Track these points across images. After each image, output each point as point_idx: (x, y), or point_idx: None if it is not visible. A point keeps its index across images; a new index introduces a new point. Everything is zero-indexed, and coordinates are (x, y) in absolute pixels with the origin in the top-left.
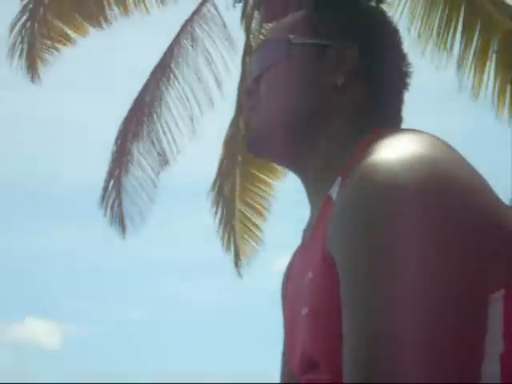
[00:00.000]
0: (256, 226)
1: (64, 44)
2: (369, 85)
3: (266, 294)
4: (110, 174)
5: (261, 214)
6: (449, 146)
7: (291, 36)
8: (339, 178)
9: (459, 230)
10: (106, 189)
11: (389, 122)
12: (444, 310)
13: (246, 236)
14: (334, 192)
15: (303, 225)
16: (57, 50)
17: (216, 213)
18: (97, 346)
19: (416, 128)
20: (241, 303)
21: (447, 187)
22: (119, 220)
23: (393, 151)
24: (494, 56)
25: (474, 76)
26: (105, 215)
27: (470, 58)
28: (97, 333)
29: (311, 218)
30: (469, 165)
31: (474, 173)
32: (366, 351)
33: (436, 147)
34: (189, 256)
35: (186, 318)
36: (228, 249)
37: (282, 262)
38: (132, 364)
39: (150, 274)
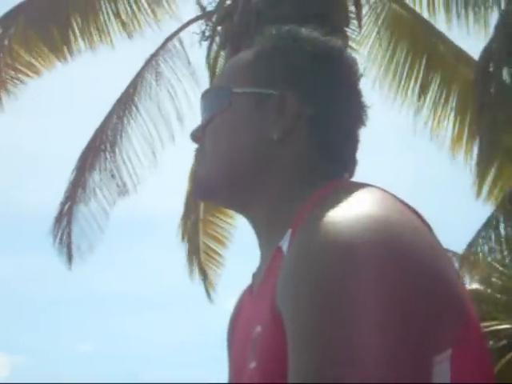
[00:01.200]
0: (219, 254)
1: (29, 75)
2: (314, 134)
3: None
4: (64, 203)
5: (223, 244)
6: (400, 203)
7: (232, 85)
8: (289, 231)
9: (408, 292)
10: (57, 218)
11: (339, 171)
12: (387, 371)
13: (210, 264)
14: (285, 245)
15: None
16: (21, 81)
17: (184, 247)
18: (45, 377)
19: (367, 181)
20: (194, 339)
21: (398, 248)
22: (67, 249)
23: (345, 209)
24: (453, 102)
25: (432, 119)
26: (54, 244)
27: (429, 103)
28: (45, 364)
29: (261, 265)
30: (419, 222)
31: (424, 231)
32: None
33: (386, 205)
34: (149, 289)
35: (136, 352)
36: (194, 278)
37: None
38: None
39: (102, 307)
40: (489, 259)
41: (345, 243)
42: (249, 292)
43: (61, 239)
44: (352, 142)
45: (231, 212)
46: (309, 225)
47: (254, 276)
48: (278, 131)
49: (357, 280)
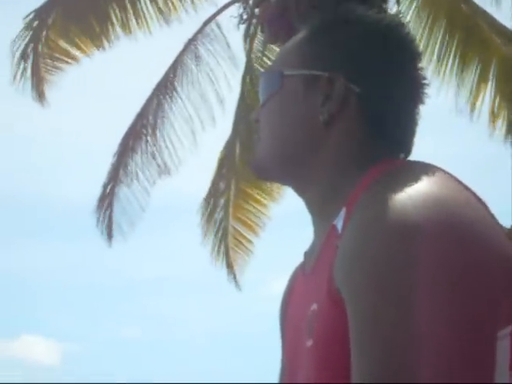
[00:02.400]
0: (249, 240)
1: (68, 63)
2: (363, 112)
3: (263, 316)
4: (106, 186)
5: (254, 232)
6: (457, 182)
7: (283, 67)
8: (344, 210)
9: (471, 272)
10: (100, 200)
11: (392, 150)
12: (454, 351)
13: (238, 250)
14: (339, 223)
15: (299, 249)
16: (61, 69)
17: (208, 229)
18: (93, 363)
19: (421, 158)
20: (238, 324)
21: (459, 229)
22: (107, 228)
23: (402, 190)
24: (493, 80)
25: (473, 97)
26: (97, 225)
27: (470, 81)
28: (92, 350)
29: (314, 243)
30: (477, 201)
31: (482, 210)
32: None
33: (445, 184)
34: (186, 273)
35: (181, 338)
36: (221, 263)
37: (278, 285)
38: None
39: (146, 291)
40: None
41: (407, 224)
42: (301, 270)
43: (103, 219)
44: (407, 121)
45: (265, 201)
46: (366, 205)
47: (307, 254)
48: (325, 114)
49: (420, 264)
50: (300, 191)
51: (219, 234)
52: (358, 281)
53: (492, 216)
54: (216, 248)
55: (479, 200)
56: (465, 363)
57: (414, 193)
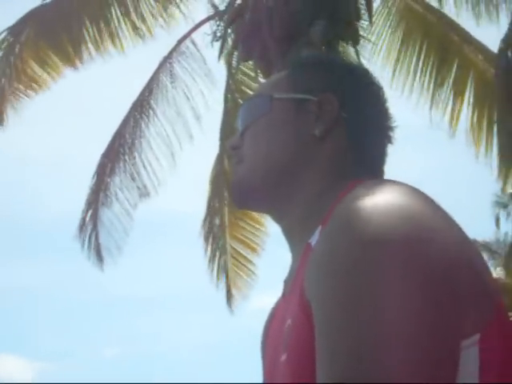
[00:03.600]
0: (249, 261)
1: (41, 85)
2: (348, 136)
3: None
4: (88, 208)
5: (253, 250)
6: (425, 197)
7: (273, 92)
8: (319, 227)
9: (436, 280)
10: (83, 222)
11: (368, 172)
12: (416, 357)
13: (239, 271)
14: (314, 241)
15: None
16: (35, 90)
17: (206, 249)
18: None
19: (393, 177)
20: (230, 341)
21: (424, 238)
22: (96, 252)
23: (370, 201)
24: (470, 92)
25: (450, 113)
26: (82, 248)
27: (446, 95)
28: (72, 370)
29: (292, 268)
30: (445, 215)
31: (450, 222)
32: None
33: (412, 198)
34: (174, 291)
35: (167, 356)
36: (219, 284)
37: (270, 300)
38: None
39: (127, 310)
40: None
41: (370, 234)
42: (282, 297)
43: (89, 243)
44: (382, 152)
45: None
46: (334, 219)
47: (285, 282)
48: (320, 128)
49: (382, 271)
50: (279, 215)
51: (217, 254)
52: (323, 289)
53: (459, 228)
54: (213, 267)
55: (446, 213)
56: (425, 371)
57: (381, 204)
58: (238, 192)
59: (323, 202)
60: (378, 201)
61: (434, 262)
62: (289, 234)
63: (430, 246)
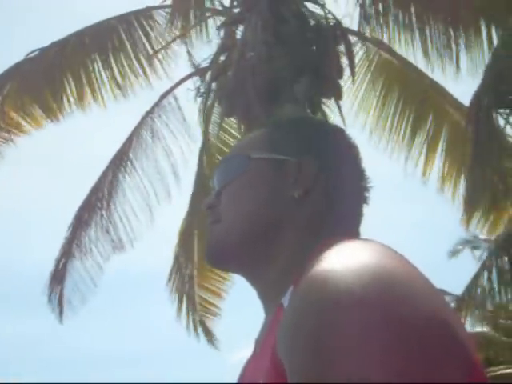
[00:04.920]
0: (215, 306)
1: (19, 136)
2: (326, 197)
3: None
4: (59, 260)
5: (219, 296)
6: (397, 254)
7: (251, 152)
8: (291, 287)
9: (403, 337)
10: (52, 274)
11: (345, 230)
12: None
13: (208, 315)
14: (286, 301)
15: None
16: (12, 141)
17: (176, 300)
18: None
19: (367, 237)
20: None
21: (392, 294)
22: (58, 304)
23: (338, 260)
24: (443, 144)
25: (423, 162)
26: (48, 301)
27: (420, 146)
28: None
29: (263, 328)
30: (417, 273)
31: (421, 279)
32: None
33: (382, 256)
34: (145, 345)
35: None
36: (195, 331)
37: (239, 354)
38: None
39: (95, 365)
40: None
41: (339, 294)
42: (252, 355)
43: (54, 295)
44: (358, 213)
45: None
46: (304, 278)
47: (256, 341)
48: (299, 189)
49: (352, 330)
50: (253, 277)
51: (185, 303)
52: (292, 346)
53: (431, 283)
54: (184, 316)
55: (417, 271)
56: None
57: (355, 260)
58: (212, 252)
59: (296, 263)
60: (344, 261)
61: (406, 321)
62: (263, 295)
63: (402, 306)
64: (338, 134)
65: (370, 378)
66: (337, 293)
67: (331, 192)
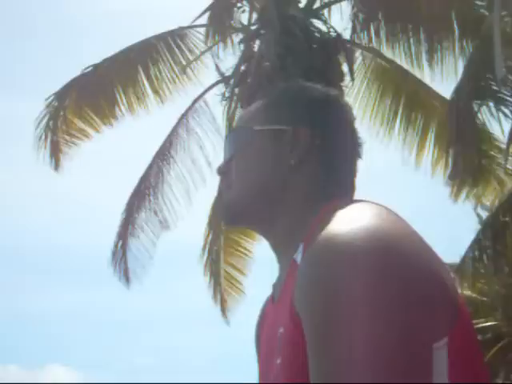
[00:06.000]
0: (238, 282)
1: (81, 138)
2: (322, 161)
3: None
4: (118, 239)
5: (242, 273)
6: (394, 214)
7: (253, 124)
8: (302, 245)
9: (408, 289)
10: (114, 251)
11: (342, 192)
12: (395, 361)
13: (230, 291)
14: (298, 257)
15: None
16: (75, 143)
17: (206, 273)
18: None
19: (366, 198)
20: (231, 350)
21: (395, 253)
22: (124, 274)
23: (346, 222)
24: (432, 135)
25: (415, 151)
26: (114, 272)
27: (413, 138)
28: (109, 378)
29: (280, 276)
30: (413, 230)
31: (418, 237)
32: None
33: (383, 216)
34: (186, 308)
35: (188, 363)
36: (216, 302)
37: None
38: None
39: (154, 324)
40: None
41: (348, 252)
42: (271, 300)
43: (119, 267)
44: (353, 170)
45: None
46: (315, 239)
47: (274, 286)
48: (295, 158)
49: (360, 284)
50: (265, 231)
51: (214, 277)
52: (309, 303)
53: (427, 243)
54: (212, 288)
55: (414, 230)
56: (404, 371)
57: (357, 223)
58: (226, 214)
59: (303, 221)
60: (351, 222)
61: (407, 273)
62: (275, 247)
63: (401, 260)
64: (333, 99)
65: (376, 335)
66: (349, 253)
67: (326, 156)
